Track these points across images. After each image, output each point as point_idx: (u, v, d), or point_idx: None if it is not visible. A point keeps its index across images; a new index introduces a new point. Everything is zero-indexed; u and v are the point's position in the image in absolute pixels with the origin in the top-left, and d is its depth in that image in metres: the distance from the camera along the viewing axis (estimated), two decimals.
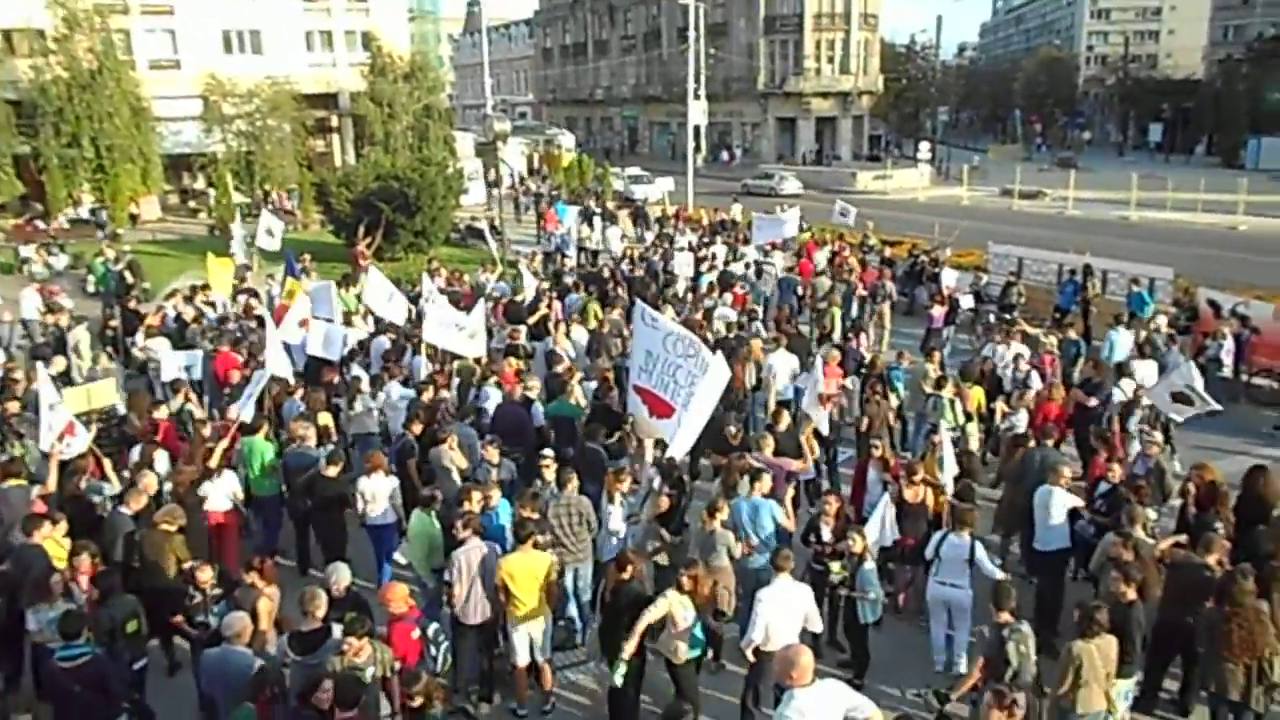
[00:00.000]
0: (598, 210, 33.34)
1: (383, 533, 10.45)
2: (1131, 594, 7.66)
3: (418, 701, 6.85)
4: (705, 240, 27.45)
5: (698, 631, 7.94)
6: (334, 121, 47.00)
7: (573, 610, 9.59)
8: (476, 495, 9.13)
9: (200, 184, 41.34)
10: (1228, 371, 16.44)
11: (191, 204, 40.54)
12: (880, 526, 9.31)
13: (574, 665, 9.40)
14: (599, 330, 16.17)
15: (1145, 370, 14.12)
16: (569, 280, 20.77)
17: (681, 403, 10.06)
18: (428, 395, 12.74)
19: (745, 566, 9.16)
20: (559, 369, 13.63)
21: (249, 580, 7.95)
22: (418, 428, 11.42)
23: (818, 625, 8.12)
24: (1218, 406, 12.40)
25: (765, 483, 9.63)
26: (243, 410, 11.48)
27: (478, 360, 14.42)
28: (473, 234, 34.49)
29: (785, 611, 7.74)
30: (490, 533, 8.90)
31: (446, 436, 10.94)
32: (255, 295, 19.10)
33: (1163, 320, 16.91)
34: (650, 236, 29.62)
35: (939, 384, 13.14)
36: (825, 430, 12.46)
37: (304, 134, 41.23)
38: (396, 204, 27.57)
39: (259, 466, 11.04)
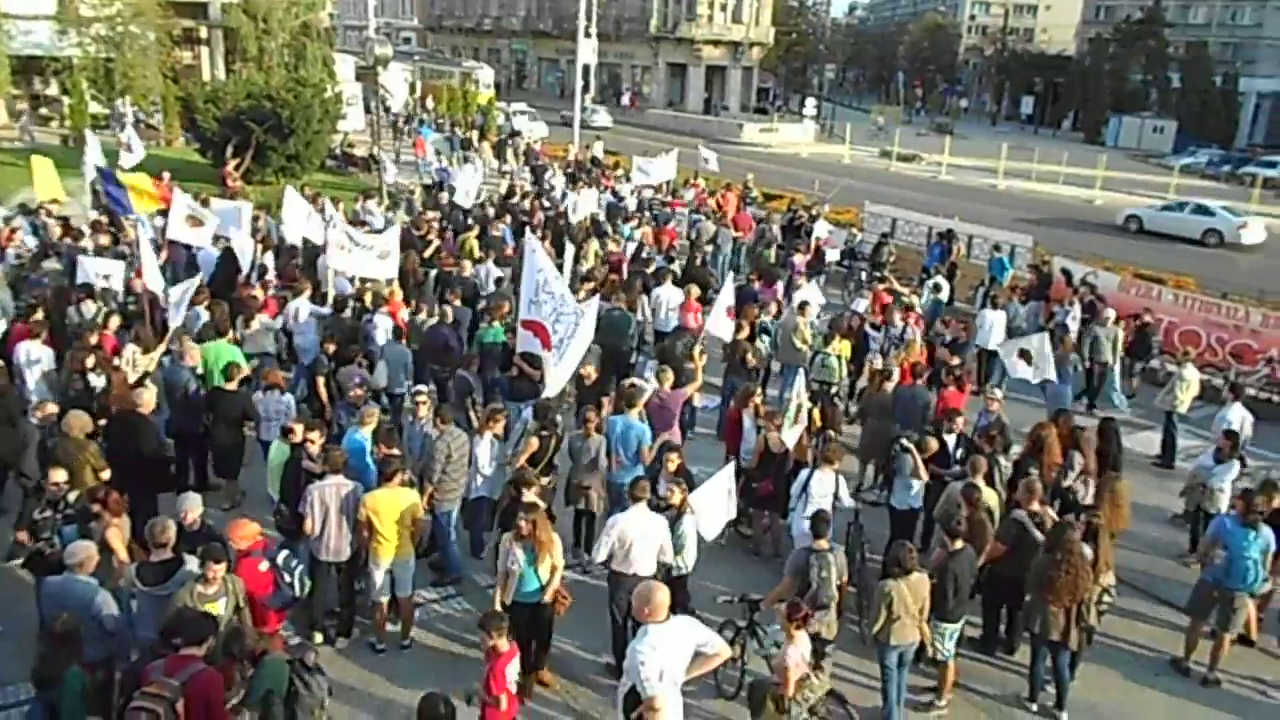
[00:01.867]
0: (462, 139, 32.84)
1: None
2: (955, 544, 8.11)
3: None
4: (573, 175, 27.61)
5: (531, 577, 7.68)
6: (203, 33, 44.14)
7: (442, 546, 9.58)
8: (315, 432, 8.98)
9: (54, 90, 38.40)
10: (1074, 338, 17.35)
11: (43, 111, 37.63)
12: (725, 499, 9.01)
13: (436, 601, 9.40)
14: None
15: (996, 320, 15.09)
16: (469, 214, 20.72)
17: (558, 340, 10.14)
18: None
19: (611, 480, 9.50)
20: (455, 302, 13.65)
21: (94, 510, 7.64)
22: (332, 347, 11.54)
23: (669, 556, 8.24)
24: (1053, 378, 13.14)
25: (640, 409, 10.04)
26: (174, 318, 11.84)
27: (389, 281, 14.31)
28: (349, 161, 33.40)
29: (641, 538, 7.89)
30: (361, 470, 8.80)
31: (355, 355, 11.21)
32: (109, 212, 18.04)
33: None
34: (510, 170, 29.39)
35: (827, 340, 13.48)
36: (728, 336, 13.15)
37: (169, 44, 38.64)
38: (268, 125, 26.23)
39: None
